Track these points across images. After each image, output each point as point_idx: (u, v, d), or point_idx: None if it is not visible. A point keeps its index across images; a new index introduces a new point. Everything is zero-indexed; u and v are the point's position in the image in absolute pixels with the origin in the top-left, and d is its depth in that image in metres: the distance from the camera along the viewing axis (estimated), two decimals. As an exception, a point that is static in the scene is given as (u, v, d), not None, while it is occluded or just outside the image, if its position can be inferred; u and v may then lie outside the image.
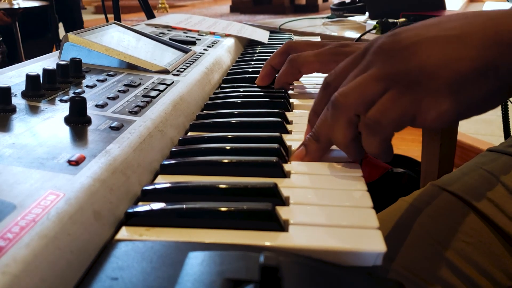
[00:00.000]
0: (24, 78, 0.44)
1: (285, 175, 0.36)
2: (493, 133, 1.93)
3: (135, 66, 0.57)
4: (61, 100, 0.43)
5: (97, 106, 0.43)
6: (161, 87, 0.51)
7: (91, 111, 0.41)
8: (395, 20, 1.09)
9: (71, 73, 0.50)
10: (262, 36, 0.99)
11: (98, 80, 0.51)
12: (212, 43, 0.81)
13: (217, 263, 0.24)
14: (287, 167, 0.37)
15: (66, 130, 0.37)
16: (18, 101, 0.42)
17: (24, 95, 0.43)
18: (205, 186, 0.33)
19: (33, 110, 0.40)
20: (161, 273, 0.24)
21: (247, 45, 0.95)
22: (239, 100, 0.53)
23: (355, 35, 1.14)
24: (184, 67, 0.62)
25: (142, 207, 0.30)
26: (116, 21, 0.74)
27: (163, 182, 0.35)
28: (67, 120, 0.38)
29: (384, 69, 0.34)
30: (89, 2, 7.59)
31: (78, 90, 0.47)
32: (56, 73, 0.47)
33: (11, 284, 0.21)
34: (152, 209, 0.29)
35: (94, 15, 6.61)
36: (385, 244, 0.27)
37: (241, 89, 0.59)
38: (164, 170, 0.37)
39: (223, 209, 0.29)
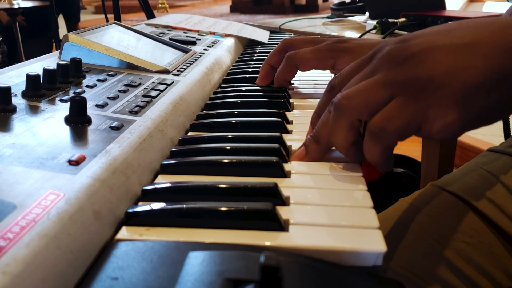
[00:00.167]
0: (24, 78, 0.44)
1: (285, 175, 0.36)
2: (493, 133, 1.93)
3: (135, 66, 0.57)
4: (61, 100, 0.43)
5: (97, 106, 0.43)
6: (161, 87, 0.51)
7: (91, 111, 0.41)
8: (395, 20, 1.09)
9: (71, 73, 0.50)
10: (262, 36, 0.99)
11: (98, 80, 0.51)
12: (212, 43, 0.81)
13: (217, 263, 0.24)
14: (287, 167, 0.37)
15: (66, 130, 0.37)
16: (18, 101, 0.42)
17: (24, 95, 0.43)
18: (205, 186, 0.33)
19: (33, 110, 0.40)
20: (161, 273, 0.24)
21: (247, 45, 0.95)
22: (239, 100, 0.53)
23: (355, 35, 1.14)
24: (184, 67, 0.62)
25: (142, 207, 0.30)
26: (116, 21, 0.74)
27: (163, 182, 0.35)
28: (67, 120, 0.38)
29: (391, 75, 0.33)
30: (89, 2, 7.59)
31: (78, 90, 0.47)
32: (56, 73, 0.47)
33: (12, 284, 0.21)
34: (152, 209, 0.29)
35: (94, 15, 6.61)
36: (385, 244, 0.27)
37: (241, 89, 0.59)
38: (164, 170, 0.37)
39: (223, 209, 0.29)
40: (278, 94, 0.55)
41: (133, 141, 0.36)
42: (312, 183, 0.35)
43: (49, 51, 2.77)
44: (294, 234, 0.28)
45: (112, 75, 0.53)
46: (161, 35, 0.80)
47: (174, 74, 0.58)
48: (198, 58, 0.68)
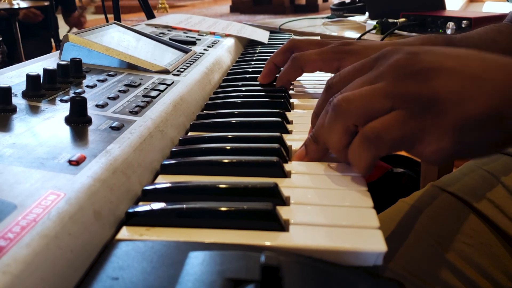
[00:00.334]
0: (24, 78, 0.44)
1: (286, 175, 0.36)
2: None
3: (135, 66, 0.57)
4: (61, 100, 0.43)
5: (97, 106, 0.43)
6: (162, 87, 0.51)
7: (91, 111, 0.41)
8: (395, 20, 1.09)
9: (72, 73, 0.50)
10: (262, 36, 0.99)
11: (98, 80, 0.51)
12: (212, 43, 0.81)
13: (218, 263, 0.24)
14: (287, 167, 0.37)
15: (66, 130, 0.37)
16: (18, 101, 0.42)
17: (25, 95, 0.43)
18: (206, 186, 0.33)
19: (34, 110, 0.40)
20: (161, 273, 0.24)
21: (247, 45, 0.95)
22: (239, 100, 0.53)
23: (355, 35, 1.14)
24: (184, 67, 0.62)
25: (143, 207, 0.30)
26: (116, 21, 0.74)
27: (164, 182, 0.35)
28: (68, 120, 0.38)
29: (396, 87, 0.33)
30: (89, 2, 7.58)
31: (79, 90, 0.47)
32: (57, 73, 0.47)
33: (12, 284, 0.21)
34: (152, 209, 0.29)
35: (94, 15, 6.61)
36: (386, 244, 0.27)
37: (241, 89, 0.59)
38: (165, 170, 0.37)
39: (223, 209, 0.29)
40: (278, 94, 0.55)
41: (133, 141, 0.36)
42: (312, 183, 0.35)
43: (49, 51, 2.77)
44: (294, 234, 0.28)
45: (112, 75, 0.53)
46: (161, 35, 0.80)
47: (174, 74, 0.58)
48: (198, 58, 0.68)
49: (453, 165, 1.16)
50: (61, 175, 0.29)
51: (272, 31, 1.15)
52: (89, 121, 0.39)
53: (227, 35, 0.91)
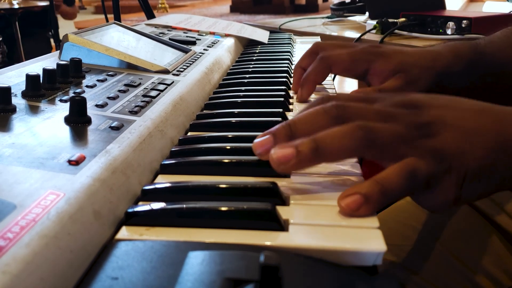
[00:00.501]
0: (24, 78, 0.44)
1: (286, 174, 0.35)
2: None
3: (135, 66, 0.57)
4: (61, 100, 0.43)
5: (97, 106, 0.43)
6: (161, 87, 0.51)
7: (91, 111, 0.41)
8: (395, 20, 1.09)
9: (71, 73, 0.50)
10: (262, 36, 0.99)
11: (98, 80, 0.51)
12: (212, 43, 0.81)
13: (217, 262, 0.24)
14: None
15: (66, 130, 0.37)
16: (18, 101, 0.42)
17: (24, 95, 0.43)
18: (205, 186, 0.33)
19: (33, 110, 0.40)
20: (161, 273, 0.24)
21: (247, 45, 0.95)
22: (239, 100, 0.53)
23: (355, 35, 1.14)
24: (184, 67, 0.62)
25: (142, 207, 0.30)
26: (116, 21, 0.74)
27: (163, 182, 0.35)
28: (67, 120, 0.38)
29: (410, 133, 0.33)
30: (89, 2, 7.59)
31: (78, 90, 0.47)
32: (56, 73, 0.47)
33: (12, 284, 0.21)
34: (152, 209, 0.29)
35: (94, 15, 6.61)
36: (385, 244, 0.27)
37: (241, 89, 0.59)
38: (164, 170, 0.37)
39: (223, 208, 0.29)
40: (278, 94, 0.55)
41: (133, 141, 0.36)
42: (312, 183, 0.35)
43: (49, 51, 2.77)
44: (294, 234, 0.28)
45: (112, 75, 0.53)
46: (161, 35, 0.80)
47: (174, 74, 0.58)
48: (198, 58, 0.68)
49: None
50: (61, 175, 0.29)
51: (272, 31, 1.15)
52: (88, 121, 0.39)
53: (227, 35, 0.91)
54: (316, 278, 0.24)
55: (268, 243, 0.27)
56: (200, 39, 0.83)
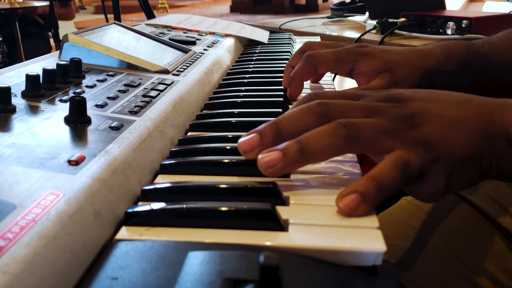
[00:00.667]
0: (24, 78, 0.44)
1: (285, 174, 0.35)
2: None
3: (135, 66, 0.57)
4: (61, 100, 0.43)
5: (97, 106, 0.43)
6: (161, 87, 0.51)
7: (91, 111, 0.41)
8: (395, 20, 1.09)
9: (71, 73, 0.50)
10: (262, 36, 0.99)
11: (98, 80, 0.51)
12: (212, 43, 0.81)
13: (217, 262, 0.24)
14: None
15: (66, 130, 0.37)
16: (18, 101, 0.42)
17: (24, 95, 0.43)
18: (205, 186, 0.33)
19: (33, 110, 0.40)
20: (161, 273, 0.24)
21: (247, 45, 0.95)
22: (239, 100, 0.53)
23: (355, 35, 1.14)
24: (184, 67, 0.62)
25: (142, 207, 0.30)
26: (116, 21, 0.74)
27: (163, 182, 0.35)
28: (67, 120, 0.38)
29: (395, 126, 0.33)
30: (89, 2, 7.58)
31: (78, 90, 0.47)
32: (56, 73, 0.47)
33: (11, 284, 0.21)
34: (152, 209, 0.29)
35: (94, 15, 6.61)
36: (385, 244, 0.27)
37: (241, 89, 0.59)
38: (164, 170, 0.37)
39: (223, 208, 0.29)
40: (278, 94, 0.55)
41: (132, 141, 0.36)
42: (312, 183, 0.35)
43: (48, 51, 2.77)
44: (294, 234, 0.28)
45: (111, 75, 0.53)
46: (161, 35, 0.80)
47: (174, 74, 0.58)
48: (198, 58, 0.68)
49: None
50: (61, 175, 0.29)
51: (272, 31, 1.15)
52: (88, 121, 0.39)
53: (227, 35, 0.91)
54: (316, 278, 0.24)
55: (268, 243, 0.27)
56: (200, 39, 0.83)
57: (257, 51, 0.86)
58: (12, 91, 0.41)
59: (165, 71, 0.58)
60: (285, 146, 0.32)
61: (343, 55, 0.53)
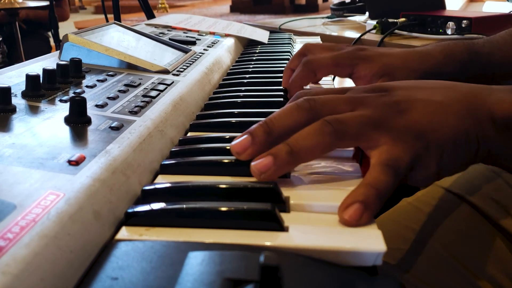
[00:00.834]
0: (24, 78, 0.44)
1: (285, 175, 0.35)
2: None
3: (135, 66, 0.57)
4: (61, 100, 0.43)
5: (97, 106, 0.43)
6: (161, 87, 0.51)
7: (91, 111, 0.41)
8: (395, 20, 1.09)
9: (71, 73, 0.50)
10: (262, 36, 0.99)
11: (98, 80, 0.51)
12: (212, 43, 0.81)
13: (217, 263, 0.24)
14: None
15: (66, 130, 0.37)
16: (18, 101, 0.42)
17: (24, 95, 0.43)
18: (205, 186, 0.33)
19: (33, 110, 0.40)
20: (161, 273, 0.24)
21: (247, 45, 0.95)
22: (239, 100, 0.53)
23: (355, 35, 1.14)
24: (184, 67, 0.62)
25: (142, 207, 0.30)
26: (116, 21, 0.74)
27: (163, 182, 0.35)
28: (67, 120, 0.38)
29: (381, 113, 0.34)
30: (89, 2, 7.58)
31: (78, 90, 0.47)
32: (56, 73, 0.47)
33: (12, 284, 0.21)
34: (152, 209, 0.29)
35: (94, 15, 6.61)
36: (385, 244, 0.27)
37: (241, 89, 0.59)
38: (164, 170, 0.37)
39: (223, 209, 0.29)
40: (278, 94, 0.55)
41: (133, 141, 0.36)
42: (312, 183, 0.35)
43: (48, 51, 2.77)
44: (294, 234, 0.28)
45: (112, 75, 0.53)
46: (161, 35, 0.80)
47: (174, 74, 0.58)
48: (198, 58, 0.68)
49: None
50: (61, 175, 0.29)
51: (272, 31, 1.15)
52: (88, 121, 0.39)
53: (227, 35, 0.91)
54: (316, 278, 0.24)
55: (268, 243, 0.27)
56: (200, 39, 0.83)
57: (257, 51, 0.86)
58: (12, 91, 0.41)
59: (165, 71, 0.58)
60: (275, 150, 0.33)
61: (341, 60, 0.53)
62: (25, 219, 0.24)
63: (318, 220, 0.30)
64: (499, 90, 0.36)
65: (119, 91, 0.48)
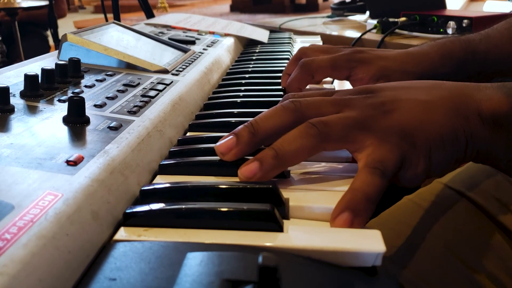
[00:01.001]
0: (22, 78, 0.44)
1: (285, 175, 0.35)
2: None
3: (134, 65, 0.57)
4: (59, 100, 0.43)
5: (95, 106, 0.43)
6: (160, 87, 0.51)
7: (89, 111, 0.41)
8: (396, 20, 1.09)
9: (70, 73, 0.50)
10: (262, 35, 0.99)
11: (96, 80, 0.51)
12: (211, 42, 0.81)
13: (216, 263, 0.23)
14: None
15: (64, 130, 0.37)
16: (16, 101, 0.42)
17: (23, 95, 0.43)
18: (204, 187, 0.33)
19: (32, 110, 0.40)
20: (159, 274, 0.23)
21: (247, 45, 0.95)
22: (238, 100, 0.53)
23: (355, 34, 1.14)
24: (184, 66, 0.62)
25: (141, 208, 0.30)
26: (115, 21, 0.74)
27: (162, 182, 0.35)
28: (66, 120, 0.38)
29: (366, 114, 0.34)
30: (89, 2, 7.58)
31: (77, 90, 0.47)
32: (55, 73, 0.47)
33: (9, 285, 0.20)
34: (150, 210, 0.29)
35: (93, 15, 6.60)
36: (385, 244, 0.26)
37: (241, 89, 0.58)
38: (163, 170, 0.37)
39: (222, 209, 0.29)
40: (278, 94, 0.55)
41: (131, 141, 0.36)
42: (311, 184, 0.35)
43: (47, 50, 2.76)
44: (293, 235, 0.28)
45: (110, 75, 0.53)
46: (160, 34, 0.80)
47: (173, 74, 0.57)
48: (198, 57, 0.68)
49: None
50: (59, 176, 0.29)
51: (272, 30, 1.15)
52: (87, 121, 0.39)
53: (226, 35, 0.91)
54: (315, 279, 0.24)
55: (267, 244, 0.27)
56: (199, 39, 0.83)
57: (257, 50, 0.86)
58: (10, 91, 0.41)
59: (164, 71, 0.58)
60: (261, 154, 0.33)
61: (339, 62, 0.53)
62: (23, 220, 0.24)
63: (317, 221, 0.30)
64: (487, 87, 0.36)
65: (118, 91, 0.48)
